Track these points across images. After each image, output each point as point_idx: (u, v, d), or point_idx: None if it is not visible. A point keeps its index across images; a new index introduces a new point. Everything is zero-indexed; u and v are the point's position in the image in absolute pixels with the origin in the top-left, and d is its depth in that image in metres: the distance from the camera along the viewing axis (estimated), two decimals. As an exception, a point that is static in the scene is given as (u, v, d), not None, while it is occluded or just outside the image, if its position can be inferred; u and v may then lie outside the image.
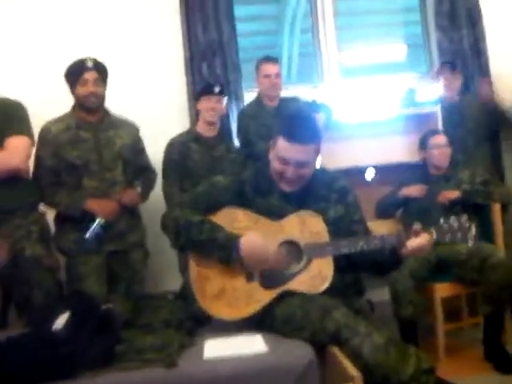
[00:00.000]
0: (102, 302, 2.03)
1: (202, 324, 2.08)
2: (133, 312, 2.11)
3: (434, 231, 2.04)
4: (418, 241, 1.99)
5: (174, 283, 3.09)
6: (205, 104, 3.35)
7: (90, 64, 2.95)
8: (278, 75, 3.58)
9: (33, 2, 3.78)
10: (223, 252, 2.04)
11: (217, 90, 3.36)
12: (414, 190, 3.47)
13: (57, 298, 2.54)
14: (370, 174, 3.87)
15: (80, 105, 3.01)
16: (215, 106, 3.35)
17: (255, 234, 2.05)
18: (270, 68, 3.58)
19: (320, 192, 2.20)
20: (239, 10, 4.06)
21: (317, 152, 2.14)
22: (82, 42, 3.72)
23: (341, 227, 2.15)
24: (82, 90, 2.96)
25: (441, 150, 3.47)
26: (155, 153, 3.34)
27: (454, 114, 3.86)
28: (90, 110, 3.01)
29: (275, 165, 2.12)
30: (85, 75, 2.94)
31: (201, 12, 3.86)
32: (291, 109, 3.57)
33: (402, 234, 2.05)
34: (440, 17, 4.15)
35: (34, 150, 2.85)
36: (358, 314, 1.99)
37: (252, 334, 1.95)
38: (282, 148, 2.07)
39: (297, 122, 2.15)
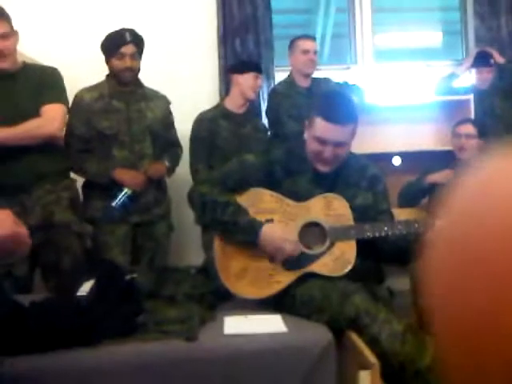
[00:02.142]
0: (128, 271, 2.06)
1: (223, 300, 2.10)
2: (156, 284, 2.14)
3: None
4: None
5: (196, 258, 3.12)
6: (252, 81, 3.30)
7: (128, 37, 2.94)
8: (315, 52, 3.54)
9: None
10: (244, 236, 2.06)
11: (261, 68, 3.37)
12: (440, 176, 3.34)
13: (84, 265, 2.57)
14: (397, 161, 3.82)
15: (115, 76, 3.01)
16: (260, 84, 3.37)
17: (276, 226, 2.07)
18: (308, 44, 3.53)
19: (351, 178, 2.19)
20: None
21: (353, 132, 2.13)
22: (117, 12, 3.72)
23: (367, 215, 2.15)
24: (118, 64, 2.96)
25: (467, 140, 3.41)
26: (185, 127, 3.34)
27: (484, 100, 3.78)
28: (124, 83, 3.02)
29: (312, 145, 2.11)
30: (122, 49, 2.93)
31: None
32: (324, 89, 3.53)
33: (428, 220, 2.05)
34: (479, 3, 4.06)
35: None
36: (378, 300, 2.00)
37: (272, 314, 1.97)
38: (321, 128, 2.06)
39: (335, 102, 2.14)
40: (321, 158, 2.10)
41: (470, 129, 3.42)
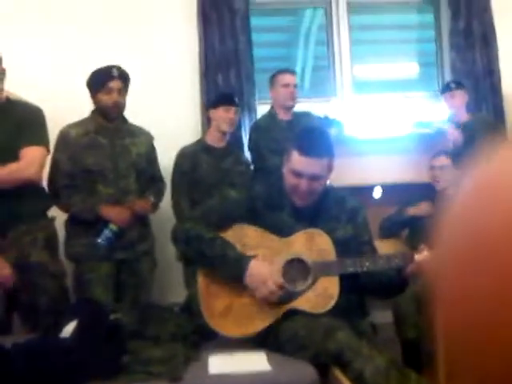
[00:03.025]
0: (111, 311, 2.05)
1: (207, 338, 2.10)
2: (139, 323, 2.13)
3: None
4: (425, 254, 2.02)
5: (177, 295, 3.11)
6: (224, 114, 3.35)
7: (116, 73, 2.96)
8: (295, 86, 3.59)
9: (53, 9, 3.82)
10: (233, 270, 2.07)
11: (236, 100, 3.40)
12: (420, 209, 3.43)
13: (63, 305, 2.54)
14: (377, 193, 3.87)
15: (101, 112, 3.03)
16: (234, 116, 3.38)
17: (263, 263, 2.08)
18: (288, 78, 3.58)
19: (331, 211, 2.22)
20: (254, 21, 4.08)
21: (330, 166, 2.17)
22: (100, 48, 3.76)
23: (349, 247, 2.17)
24: (105, 99, 2.97)
25: (441, 172, 3.47)
26: (167, 162, 3.36)
27: (463, 133, 3.84)
28: (109, 118, 3.03)
29: (289, 178, 2.14)
30: (110, 84, 2.96)
31: (218, 23, 3.88)
32: (304, 123, 3.58)
33: (408, 254, 2.08)
34: (455, 35, 4.16)
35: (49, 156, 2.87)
36: (361, 335, 2.01)
37: (256, 352, 1.98)
38: (296, 161, 2.11)
39: (311, 136, 2.20)
40: (297, 191, 2.13)
41: (444, 161, 3.49)
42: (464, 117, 3.90)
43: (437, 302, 0.38)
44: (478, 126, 3.85)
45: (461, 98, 3.87)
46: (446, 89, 3.91)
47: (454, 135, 3.77)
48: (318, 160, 2.10)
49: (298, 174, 2.11)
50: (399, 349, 3.06)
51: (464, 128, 3.84)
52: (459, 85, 3.89)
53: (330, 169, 2.18)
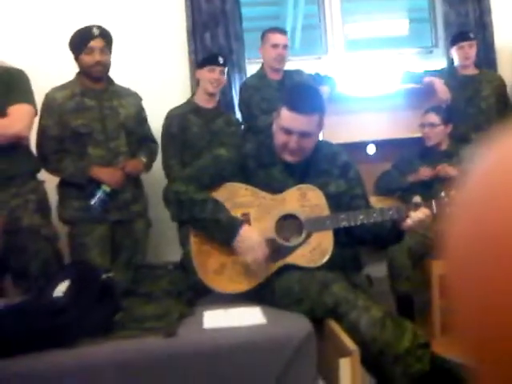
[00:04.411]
0: (104, 271, 2.04)
1: (201, 295, 2.10)
2: (133, 281, 2.12)
3: (434, 204, 2.05)
4: (419, 215, 2.00)
5: (174, 254, 3.11)
6: (208, 74, 3.31)
7: (96, 32, 2.90)
8: (285, 46, 3.51)
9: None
10: (223, 234, 2.06)
11: (221, 60, 3.32)
12: (419, 175, 3.40)
13: (56, 268, 2.53)
14: (371, 150, 3.85)
15: (85, 73, 2.97)
16: (218, 77, 3.31)
17: (253, 228, 2.07)
18: (278, 38, 3.50)
19: (322, 166, 2.20)
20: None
21: (320, 124, 2.14)
22: (84, 9, 3.66)
23: (342, 202, 2.16)
24: (87, 59, 2.92)
25: (430, 129, 3.45)
26: (156, 123, 3.32)
27: (467, 88, 3.77)
28: (95, 79, 2.98)
29: (278, 136, 2.12)
30: (91, 43, 2.90)
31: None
32: (295, 81, 3.53)
33: (402, 208, 2.06)
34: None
35: (36, 119, 2.82)
36: (356, 288, 2.01)
37: (251, 306, 1.97)
38: (286, 118, 2.08)
39: (300, 93, 2.17)
40: (287, 148, 2.11)
41: (432, 118, 3.46)
42: (472, 70, 3.84)
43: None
44: (484, 83, 3.80)
45: (475, 49, 3.80)
46: (459, 39, 3.79)
47: (445, 92, 3.73)
48: (307, 116, 2.08)
49: (287, 131, 2.09)
50: (393, 302, 3.09)
51: (470, 82, 3.79)
52: (474, 35, 3.82)
53: (320, 125, 2.15)
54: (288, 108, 2.07)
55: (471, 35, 3.78)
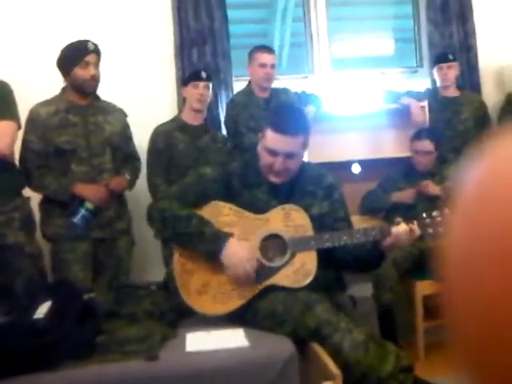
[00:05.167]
0: (86, 291, 2.02)
1: (184, 316, 2.08)
2: (115, 302, 2.10)
3: (416, 224, 2.06)
4: (399, 229, 2.02)
5: (157, 274, 3.08)
6: (192, 90, 3.31)
7: (91, 46, 2.90)
8: (273, 65, 3.51)
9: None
10: (210, 247, 2.04)
11: (204, 75, 3.32)
12: (405, 197, 3.42)
13: (39, 286, 2.51)
14: (356, 169, 3.86)
15: (76, 87, 2.95)
16: (203, 92, 3.31)
17: (241, 242, 2.06)
18: (266, 57, 3.50)
19: (307, 187, 2.21)
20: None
21: (305, 144, 2.15)
22: (71, 24, 3.65)
23: (325, 224, 2.16)
24: (82, 73, 2.90)
25: (424, 156, 3.46)
26: (142, 140, 3.31)
27: (447, 110, 3.79)
28: (84, 94, 2.96)
29: (264, 157, 2.12)
30: (86, 58, 2.89)
31: (192, -1, 3.81)
32: (282, 100, 3.54)
33: (385, 227, 2.08)
34: (432, 11, 4.14)
35: (20, 133, 2.80)
36: (340, 309, 2.01)
37: (234, 328, 1.96)
38: (271, 139, 2.09)
39: (285, 114, 2.19)
40: (272, 169, 2.11)
41: (428, 146, 3.45)
42: (453, 91, 3.86)
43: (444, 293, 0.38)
44: (465, 105, 3.83)
45: (455, 70, 3.82)
46: (441, 59, 3.82)
47: (419, 115, 3.74)
48: (292, 138, 2.08)
49: (272, 152, 2.09)
50: (376, 323, 3.08)
51: (450, 103, 3.82)
52: (455, 56, 3.84)
53: (305, 146, 2.16)
54: (273, 129, 2.08)
55: (450, 57, 3.80)
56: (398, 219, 2.08)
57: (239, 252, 2.03)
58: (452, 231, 0.37)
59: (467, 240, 0.35)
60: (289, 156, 2.09)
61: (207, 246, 2.05)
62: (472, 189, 0.36)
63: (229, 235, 2.05)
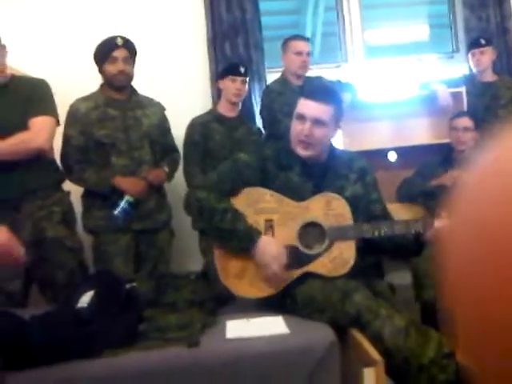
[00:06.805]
0: (127, 280, 2.05)
1: (223, 304, 2.10)
2: (156, 291, 2.13)
3: None
4: (443, 221, 1.98)
5: (195, 264, 3.12)
6: (230, 84, 3.34)
7: (119, 42, 2.95)
8: (308, 53, 3.50)
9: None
10: (241, 244, 2.07)
11: (242, 70, 3.35)
12: (446, 180, 3.32)
13: (81, 278, 2.55)
14: (392, 157, 3.82)
15: (108, 83, 3.01)
16: (240, 87, 3.34)
17: (273, 240, 2.08)
18: (301, 45, 3.49)
19: (340, 170, 2.21)
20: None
21: (335, 118, 2.15)
22: (107, 20, 3.71)
23: (359, 206, 2.16)
24: (110, 68, 2.96)
25: (463, 133, 3.40)
26: (178, 133, 3.34)
27: (485, 95, 3.72)
28: (118, 89, 3.01)
29: (294, 126, 2.15)
30: (114, 53, 2.94)
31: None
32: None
33: (429, 220, 2.05)
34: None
35: (58, 129, 2.85)
36: (378, 296, 1.99)
37: (274, 316, 1.97)
38: (301, 104, 2.14)
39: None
40: (300, 138, 2.11)
41: (467, 122, 3.41)
42: (490, 76, 3.79)
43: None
44: (503, 89, 3.74)
45: (490, 55, 3.74)
46: (474, 45, 3.75)
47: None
48: (320, 104, 2.11)
49: (301, 117, 2.11)
50: (417, 310, 3.05)
51: (488, 88, 3.74)
52: (489, 41, 3.76)
53: (335, 120, 2.16)
54: (304, 96, 2.14)
55: (482, 41, 3.72)
56: (441, 212, 2.04)
57: (268, 250, 2.04)
58: (455, 228, 0.37)
59: (470, 236, 0.35)
60: (316, 122, 2.10)
61: (238, 243, 2.07)
62: (474, 187, 0.36)
63: (260, 234, 2.06)
